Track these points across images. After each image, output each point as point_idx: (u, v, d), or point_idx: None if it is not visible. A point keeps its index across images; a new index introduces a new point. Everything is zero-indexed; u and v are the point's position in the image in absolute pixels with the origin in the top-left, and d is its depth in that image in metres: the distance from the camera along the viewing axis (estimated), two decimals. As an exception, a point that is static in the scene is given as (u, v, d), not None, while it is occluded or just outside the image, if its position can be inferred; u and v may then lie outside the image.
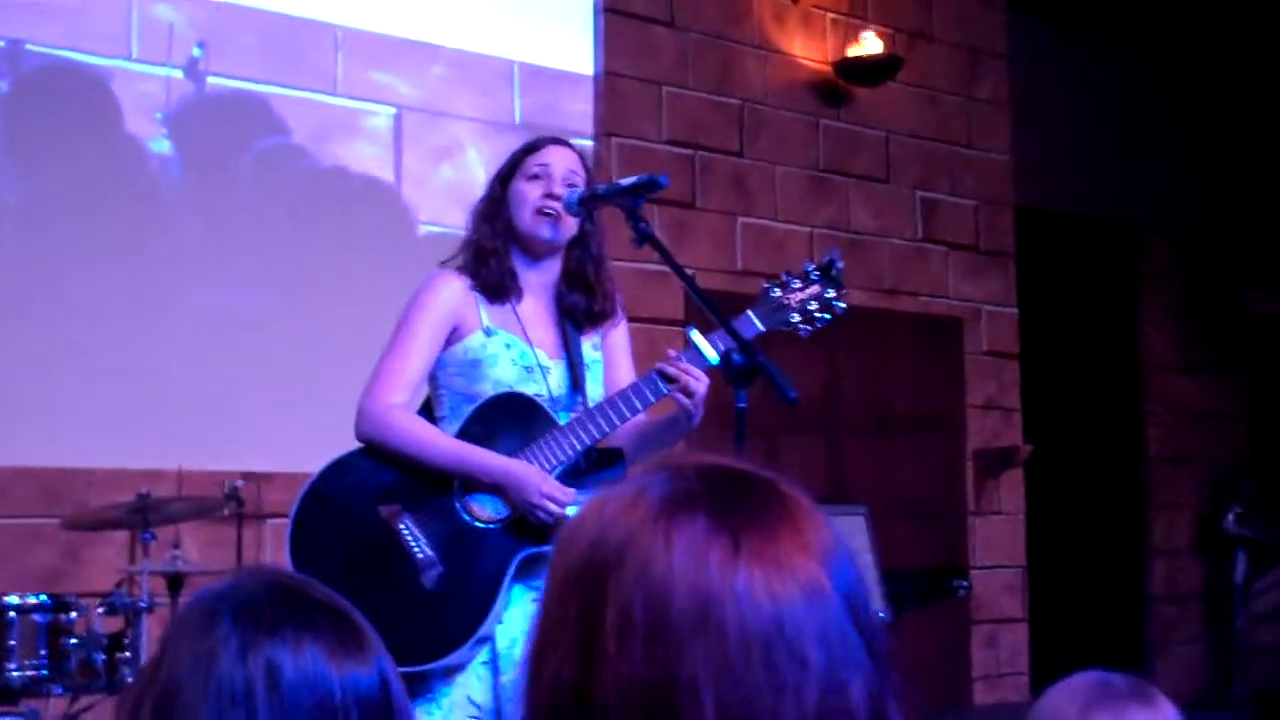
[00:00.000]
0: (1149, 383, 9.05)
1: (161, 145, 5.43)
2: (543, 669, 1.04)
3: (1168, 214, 9.17)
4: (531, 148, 3.43)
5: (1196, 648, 8.91)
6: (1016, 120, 8.00)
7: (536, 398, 3.28)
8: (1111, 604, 8.75)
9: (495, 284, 3.32)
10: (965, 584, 6.60)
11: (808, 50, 7.22)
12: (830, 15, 7.30)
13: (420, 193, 5.92)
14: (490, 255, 3.34)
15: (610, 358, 3.49)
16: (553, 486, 3.18)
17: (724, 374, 3.15)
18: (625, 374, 3.48)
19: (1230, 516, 8.77)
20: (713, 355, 3.21)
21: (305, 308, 5.63)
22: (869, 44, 7.23)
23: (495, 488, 3.21)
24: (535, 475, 3.19)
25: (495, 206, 3.40)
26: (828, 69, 7.26)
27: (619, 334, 3.53)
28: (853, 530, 6.03)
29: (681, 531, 1.00)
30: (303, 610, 1.26)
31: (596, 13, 6.53)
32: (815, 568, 1.01)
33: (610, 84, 6.52)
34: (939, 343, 7.59)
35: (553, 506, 3.16)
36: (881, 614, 5.90)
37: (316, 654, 1.22)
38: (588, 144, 6.44)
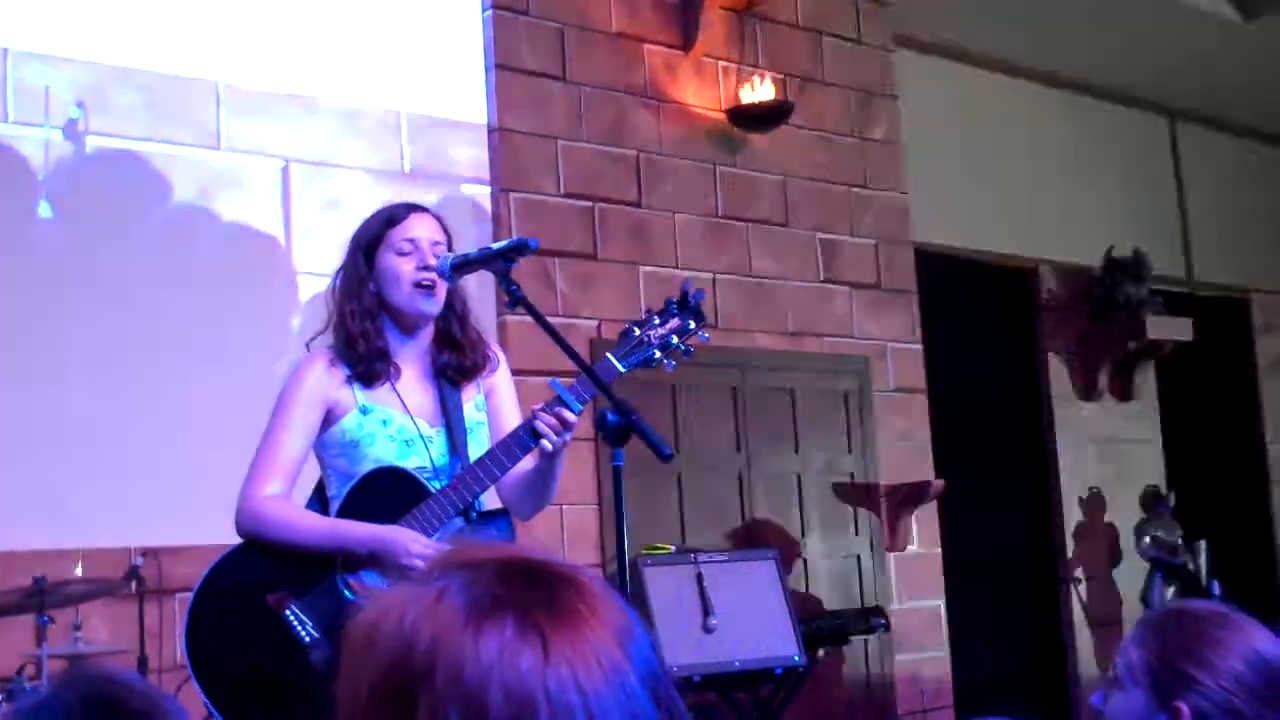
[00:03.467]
0: (1058, 413, 9.13)
1: (44, 208, 5.35)
2: None
3: (1064, 246, 9.29)
4: (392, 219, 3.45)
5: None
6: (910, 158, 8.08)
7: (415, 470, 3.32)
8: (1033, 633, 8.80)
9: (368, 371, 3.35)
10: (883, 621, 6.63)
11: (701, 99, 7.27)
12: (721, 63, 7.36)
13: (310, 244, 5.87)
14: (359, 339, 3.36)
15: (495, 408, 3.52)
16: (421, 543, 3.20)
17: (600, 434, 3.21)
18: (510, 419, 3.52)
19: (1146, 540, 8.84)
20: (576, 404, 3.29)
21: (199, 371, 5.56)
22: (761, 90, 7.30)
23: (371, 559, 3.23)
24: (403, 535, 3.22)
25: (360, 283, 3.40)
26: (721, 116, 7.31)
27: (500, 378, 3.57)
28: (764, 574, 6.05)
29: (490, 638, 1.00)
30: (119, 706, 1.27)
31: (488, 69, 6.55)
32: (616, 652, 1.03)
33: (505, 139, 6.53)
34: (847, 381, 7.62)
35: (422, 564, 3.16)
36: (795, 656, 5.90)
37: None
38: (482, 190, 6.44)
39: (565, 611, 1.04)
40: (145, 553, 5.00)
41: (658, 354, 3.39)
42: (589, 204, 6.79)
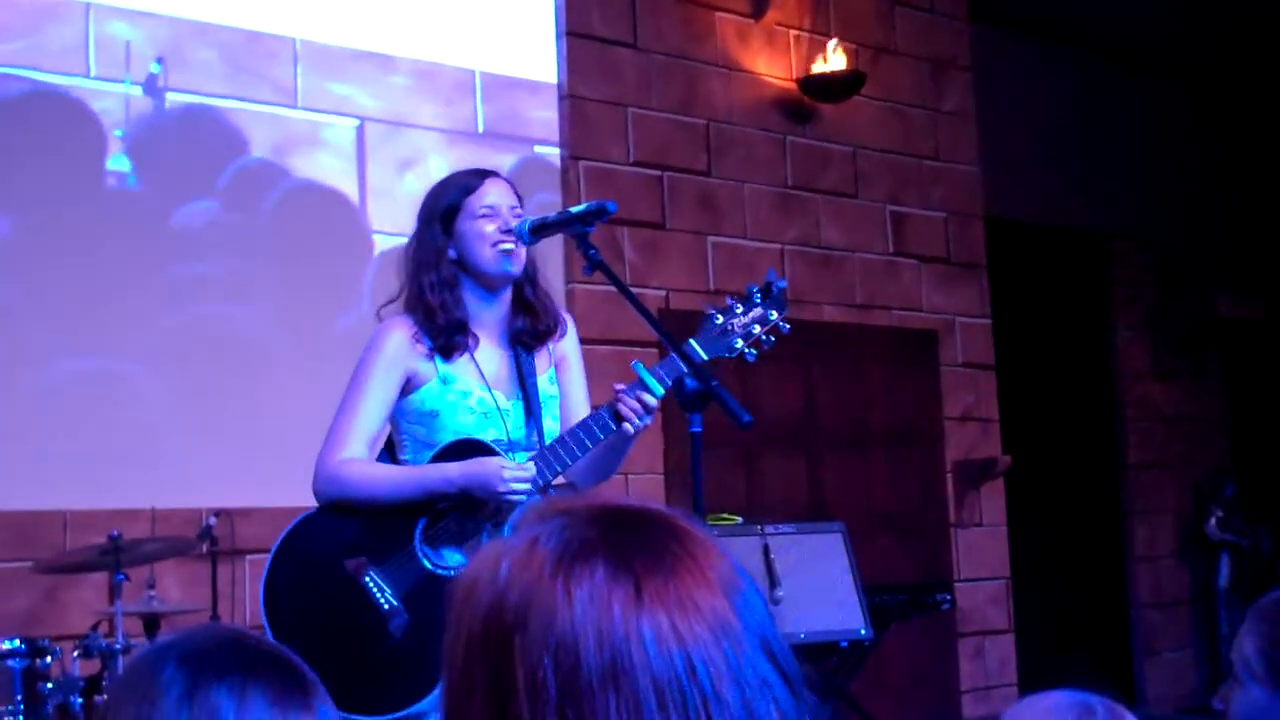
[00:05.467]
0: (1125, 390, 9.05)
1: (121, 162, 5.38)
2: None
3: (1138, 220, 9.19)
4: (469, 187, 3.42)
5: (1184, 653, 8.90)
6: (983, 131, 8.00)
7: (494, 443, 3.30)
8: (1097, 612, 8.73)
9: (448, 343, 3.34)
10: (948, 597, 6.58)
11: (772, 68, 7.22)
12: (793, 32, 7.31)
13: (384, 204, 5.89)
14: (438, 310, 3.34)
15: (565, 380, 3.51)
16: (514, 468, 3.19)
17: (677, 399, 3.18)
18: (577, 392, 3.52)
19: (1212, 521, 8.77)
20: (659, 388, 3.25)
21: (274, 331, 5.59)
22: (833, 60, 7.23)
23: (463, 497, 3.23)
24: (492, 464, 3.21)
25: (438, 253, 3.38)
26: (793, 86, 7.26)
27: (569, 346, 3.55)
28: (831, 547, 6.01)
29: (581, 583, 0.98)
30: (249, 659, 1.25)
31: (559, 36, 6.53)
32: (720, 603, 1.00)
33: (575, 106, 6.51)
34: (914, 356, 7.58)
35: (520, 486, 3.19)
36: (862, 630, 5.87)
37: (261, 702, 1.21)
38: (554, 152, 6.43)
39: (661, 556, 1.01)
40: (218, 513, 5.03)
41: (740, 344, 3.33)
42: (658, 173, 6.76)
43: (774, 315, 3.37)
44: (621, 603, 0.97)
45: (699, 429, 3.19)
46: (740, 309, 3.35)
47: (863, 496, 7.18)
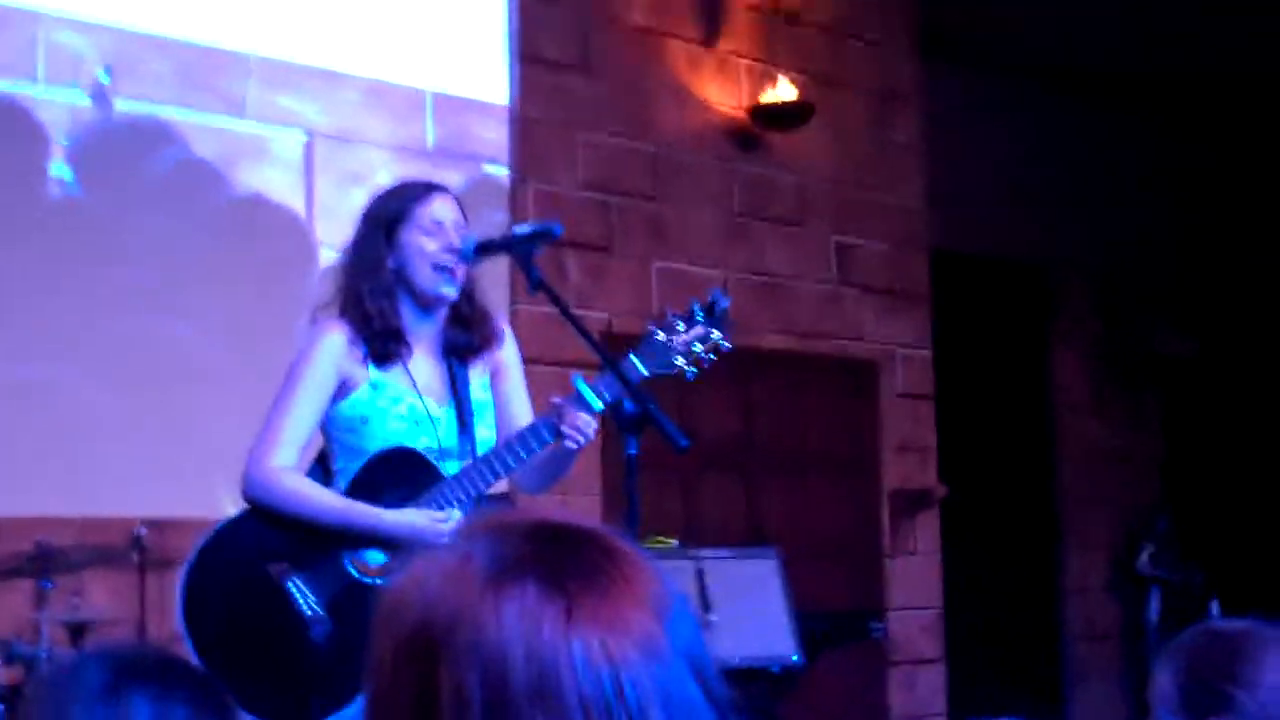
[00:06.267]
0: (1062, 423, 9.14)
1: (63, 170, 5.35)
2: None
3: (1082, 256, 9.29)
4: (416, 197, 3.42)
5: (1113, 686, 8.98)
6: (930, 162, 8.08)
7: (425, 451, 3.30)
8: (1028, 642, 8.81)
9: (382, 349, 3.33)
10: (881, 625, 6.63)
11: (722, 96, 7.27)
12: (744, 61, 7.35)
13: (331, 219, 5.88)
14: (375, 317, 3.33)
15: (503, 388, 3.50)
16: (449, 522, 3.20)
17: (615, 421, 3.19)
18: (518, 400, 3.52)
19: (1144, 556, 8.85)
20: (597, 402, 3.25)
21: (213, 342, 5.56)
22: (782, 90, 7.29)
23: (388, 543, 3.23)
24: (425, 523, 3.20)
25: (378, 260, 3.37)
26: (742, 114, 7.30)
27: (508, 355, 3.55)
28: (765, 573, 6.05)
29: (512, 600, 0.97)
30: (171, 673, 1.24)
31: (510, 58, 6.55)
32: (650, 623, 0.99)
33: (525, 128, 6.53)
34: (854, 385, 7.64)
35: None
36: (794, 656, 5.91)
37: (182, 716, 1.20)
38: (503, 173, 6.44)
39: (594, 576, 1.00)
40: (148, 524, 5.00)
41: (681, 361, 3.33)
42: (605, 196, 6.80)
43: (716, 334, 3.36)
44: (551, 621, 0.97)
45: (635, 451, 3.22)
46: (682, 326, 3.35)
47: (799, 522, 7.22)
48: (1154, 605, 8.74)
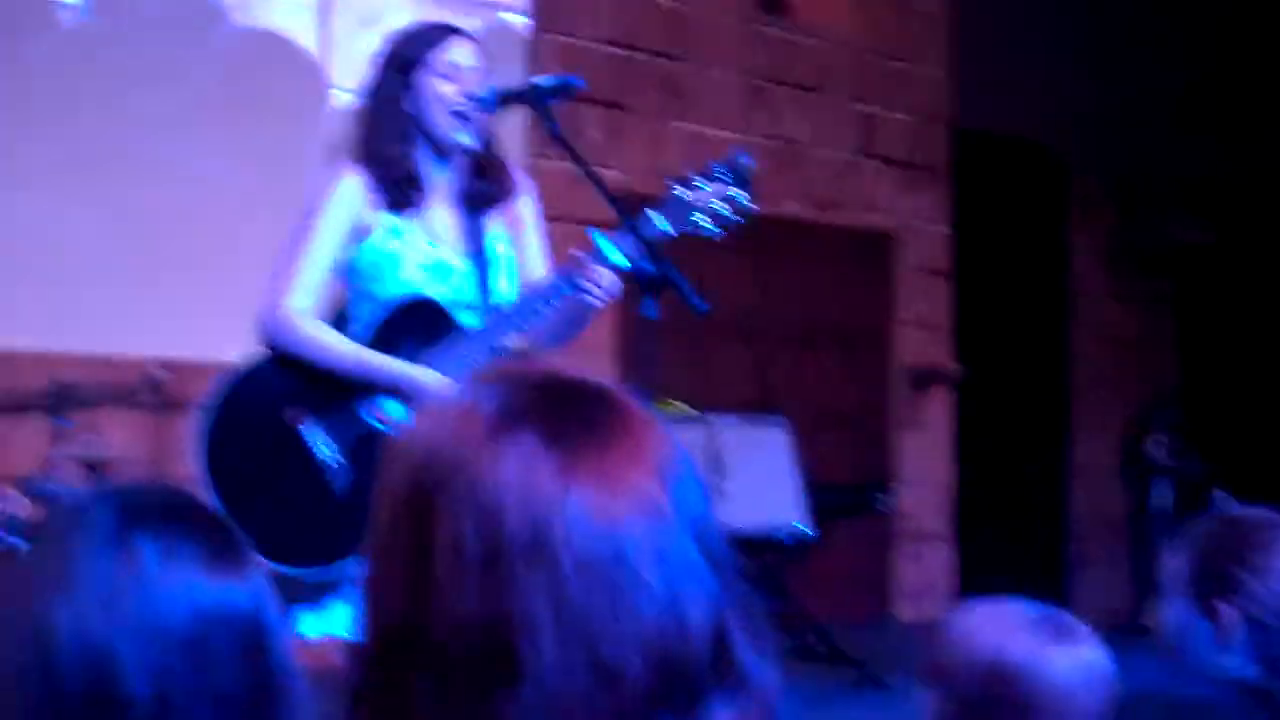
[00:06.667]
0: (1077, 307, 9.07)
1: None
2: (373, 602, 1.00)
3: (1101, 140, 9.15)
4: (433, 41, 3.30)
5: (1116, 570, 8.98)
6: (958, 37, 7.92)
7: (442, 302, 3.24)
8: (1033, 523, 8.80)
9: (399, 195, 3.24)
10: (889, 499, 6.61)
11: (748, -46, 7.11)
12: (772, -82, 7.18)
13: (345, 59, 5.74)
14: (390, 162, 3.24)
15: (521, 239, 3.42)
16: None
17: (633, 282, 3.12)
18: (536, 252, 3.42)
19: (1153, 443, 8.82)
20: (618, 257, 3.15)
21: (228, 183, 5.48)
22: (810, -50, 7.13)
23: (397, 394, 3.18)
24: (438, 380, 3.14)
25: (394, 104, 3.27)
26: (767, -26, 7.15)
27: (525, 205, 3.45)
28: (775, 442, 6.00)
29: (510, 450, 0.96)
30: (184, 516, 1.20)
31: (533, -94, 6.38)
32: (652, 485, 0.97)
33: (546, -22, 6.38)
34: (870, 258, 7.55)
35: None
36: (803, 526, 5.87)
37: (189, 558, 1.16)
38: (521, 21, 6.29)
39: (598, 431, 0.98)
40: (165, 365, 4.96)
41: (702, 219, 3.22)
42: (625, 53, 6.66)
43: (738, 192, 3.26)
44: (550, 474, 0.95)
45: (653, 314, 3.14)
46: (704, 184, 3.24)
47: (809, 394, 7.16)
48: (1161, 493, 8.71)
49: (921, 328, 7.70)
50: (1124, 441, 9.10)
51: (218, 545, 1.19)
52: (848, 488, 6.75)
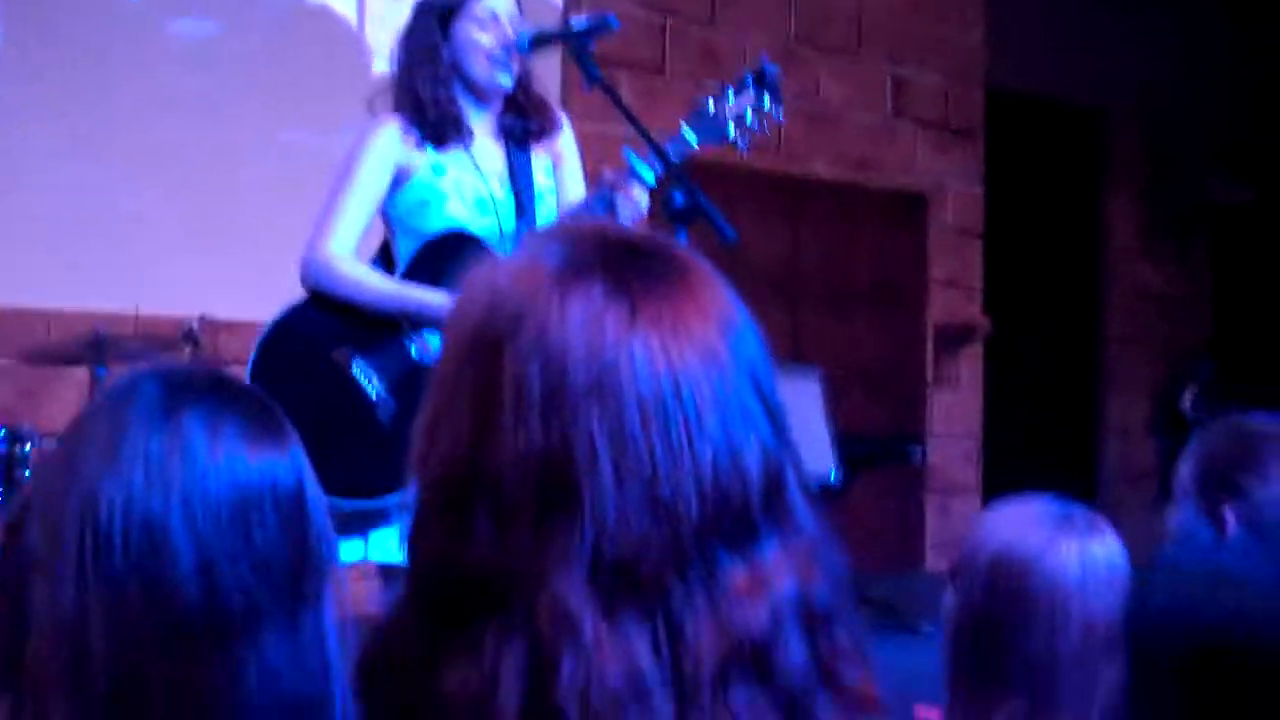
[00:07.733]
0: (1110, 265, 9.10)
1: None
2: (436, 443, 1.04)
3: (1137, 99, 9.17)
4: None
5: (1148, 526, 9.03)
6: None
7: (484, 234, 3.28)
8: (1065, 479, 8.82)
9: (440, 133, 3.29)
10: (920, 449, 6.68)
11: (782, -83, 7.17)
12: (806, -117, 7.25)
13: (383, 29, 5.81)
14: (431, 105, 3.29)
15: (560, 173, 3.48)
16: None
17: (664, 213, 3.15)
18: (576, 188, 3.49)
19: (1187, 398, 8.85)
20: (649, 174, 3.19)
21: (267, 144, 5.58)
22: (843, -86, 7.19)
23: (439, 324, 3.22)
24: None
25: (433, 51, 3.32)
26: (802, -63, 7.21)
27: (565, 141, 3.51)
28: (808, 391, 6.09)
29: (577, 298, 0.99)
30: (227, 393, 1.23)
31: (570, -128, 6.47)
32: (712, 334, 1.01)
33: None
34: (904, 218, 7.63)
35: None
36: (834, 474, 5.97)
37: (233, 433, 1.19)
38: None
39: (659, 283, 1.02)
40: (202, 319, 5.05)
41: (733, 129, 3.25)
42: (661, 17, 6.74)
43: (767, 102, 3.28)
44: (615, 321, 0.98)
45: (684, 243, 3.18)
46: (733, 95, 3.27)
47: (842, 351, 7.26)
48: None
49: (954, 287, 7.78)
50: (1157, 397, 9.13)
51: (260, 420, 1.22)
52: (879, 439, 6.83)
